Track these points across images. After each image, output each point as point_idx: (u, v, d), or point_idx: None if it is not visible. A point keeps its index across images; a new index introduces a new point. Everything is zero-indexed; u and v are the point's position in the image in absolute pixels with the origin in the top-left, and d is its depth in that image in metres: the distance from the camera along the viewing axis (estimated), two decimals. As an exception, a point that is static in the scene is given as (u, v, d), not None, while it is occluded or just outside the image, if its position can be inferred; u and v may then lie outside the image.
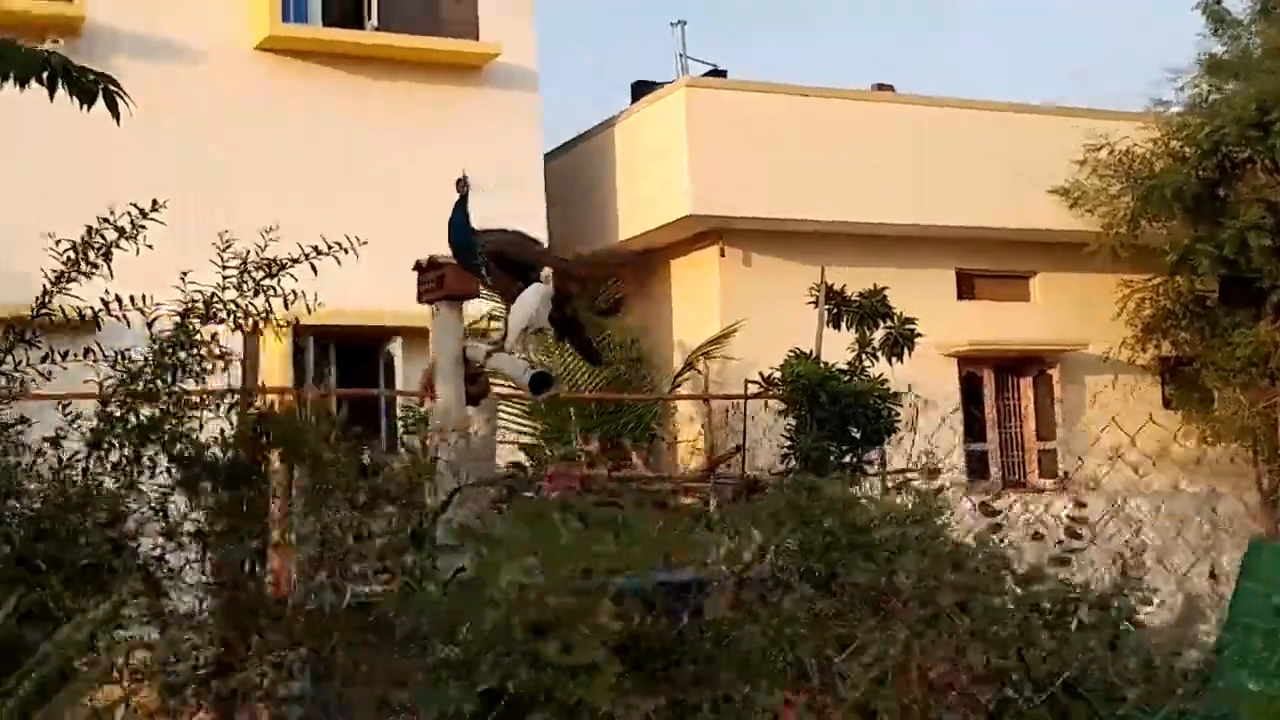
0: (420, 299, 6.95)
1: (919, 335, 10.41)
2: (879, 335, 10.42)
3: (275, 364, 13.34)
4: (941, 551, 6.92)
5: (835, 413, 9.60)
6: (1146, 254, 15.55)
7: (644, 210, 15.33)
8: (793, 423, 9.92)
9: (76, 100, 4.86)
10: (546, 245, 14.01)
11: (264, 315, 5.89)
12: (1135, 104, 16.10)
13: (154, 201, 6.31)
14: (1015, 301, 16.96)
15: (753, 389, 10.32)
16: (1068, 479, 15.23)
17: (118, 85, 4.82)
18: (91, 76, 4.76)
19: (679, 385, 14.01)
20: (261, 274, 5.88)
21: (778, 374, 10.15)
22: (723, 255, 15.18)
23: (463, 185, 6.29)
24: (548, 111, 25.55)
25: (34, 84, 5.29)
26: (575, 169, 16.26)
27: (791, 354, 10.23)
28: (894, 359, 10.23)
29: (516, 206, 14.50)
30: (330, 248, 5.97)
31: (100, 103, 5.01)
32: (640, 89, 16.32)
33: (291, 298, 5.85)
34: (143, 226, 6.23)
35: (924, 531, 7.23)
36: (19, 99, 13.20)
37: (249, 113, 13.80)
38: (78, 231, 12.36)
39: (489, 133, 14.72)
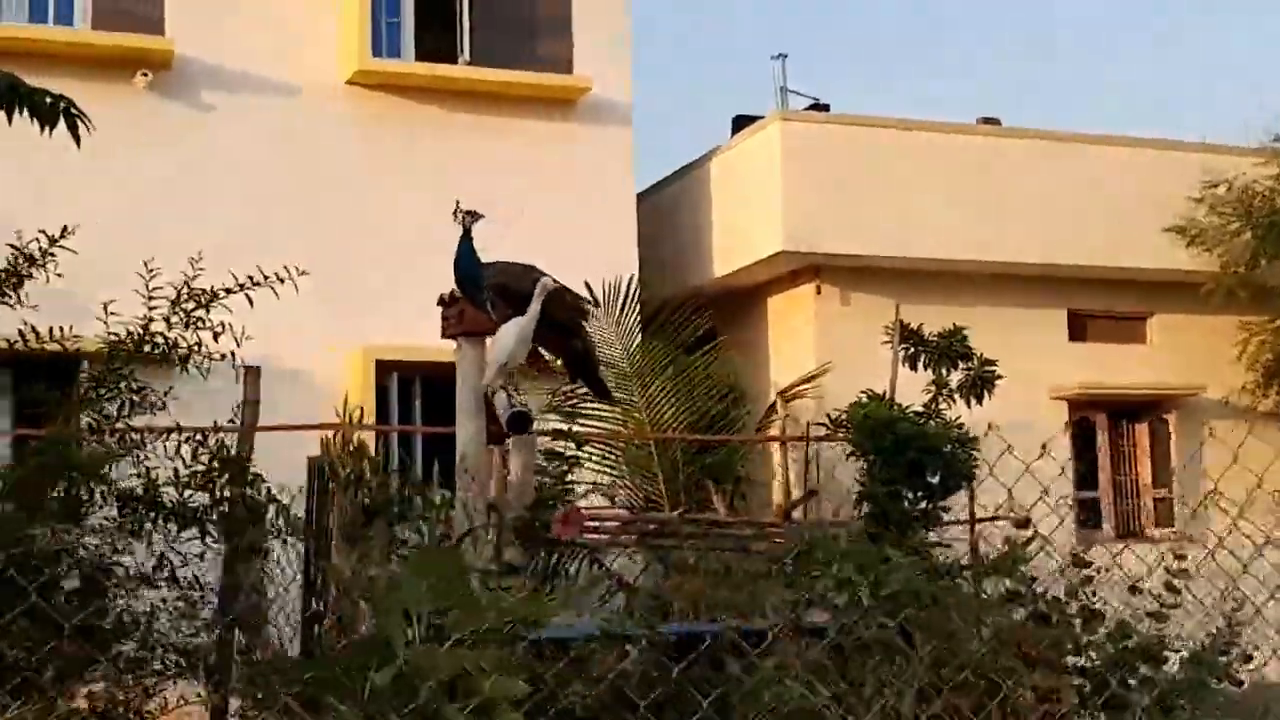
0: (443, 334, 6.76)
1: (1000, 376, 9.94)
2: (957, 376, 9.96)
3: (356, 399, 13.29)
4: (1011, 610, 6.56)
5: (908, 457, 9.14)
6: (1266, 294, 14.83)
7: (738, 246, 15.02)
8: (863, 467, 9.50)
9: (37, 124, 4.57)
10: (636, 281, 13.88)
11: (191, 347, 5.70)
12: (1250, 138, 15.41)
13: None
14: (1130, 343, 16.29)
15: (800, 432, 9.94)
16: (1179, 531, 14.57)
17: (76, 106, 4.61)
18: (49, 98, 4.52)
19: (765, 427, 13.64)
20: (191, 305, 5.70)
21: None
22: (819, 293, 14.80)
23: (468, 218, 6.05)
24: (646, 146, 25.47)
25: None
26: (672, 204, 16.02)
27: (863, 395, 9.82)
28: (972, 401, 9.77)
29: (608, 241, 14.35)
30: (265, 279, 5.78)
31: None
32: (741, 123, 16.03)
33: (220, 329, 5.67)
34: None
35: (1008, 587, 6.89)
36: (115, 137, 13.38)
37: (339, 147, 13.80)
38: (170, 264, 12.48)
39: (581, 167, 14.57)
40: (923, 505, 9.58)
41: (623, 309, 13.12)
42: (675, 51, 36.83)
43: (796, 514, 11.09)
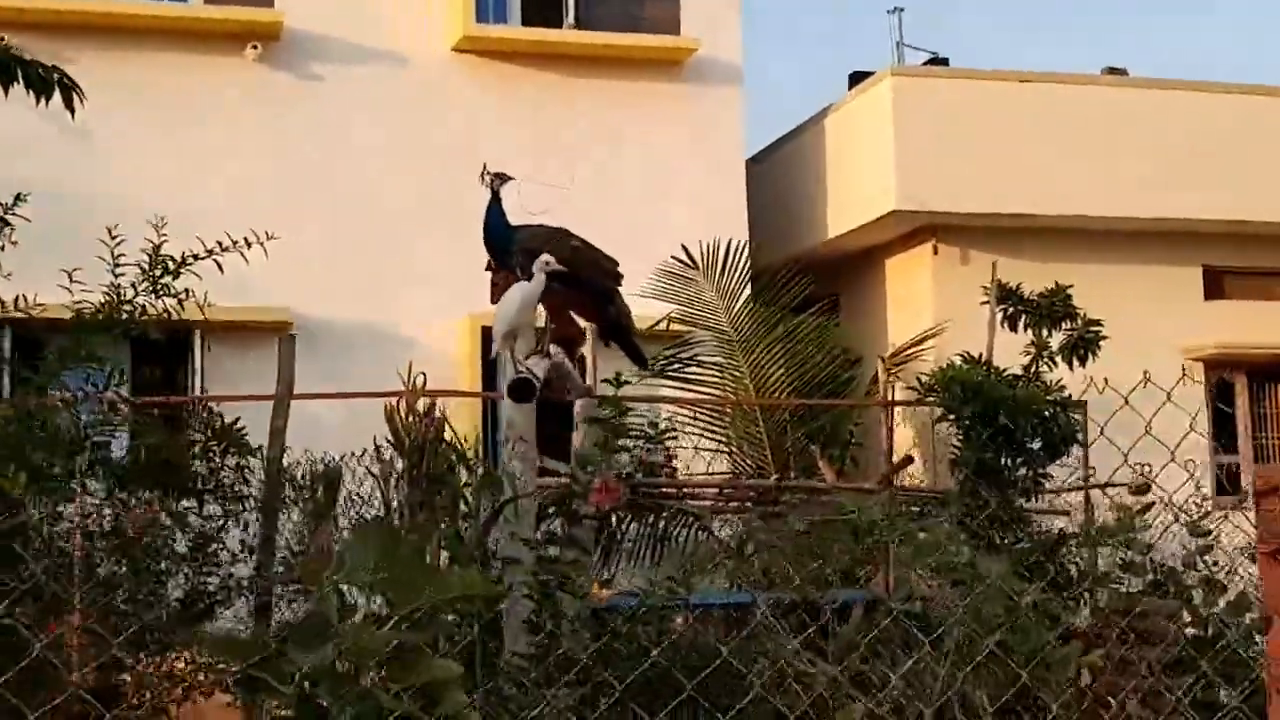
0: (492, 300, 6.65)
1: (1104, 337, 9.53)
2: (1060, 338, 9.58)
3: (465, 367, 13.31)
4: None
5: (1001, 422, 8.84)
6: None
7: (852, 207, 14.69)
8: (958, 432, 9.21)
9: (32, 94, 4.55)
10: (746, 243, 13.62)
11: (160, 313, 5.65)
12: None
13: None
14: (1271, 300, 15.56)
15: (912, 395, 9.63)
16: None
17: (69, 77, 4.58)
18: (42, 69, 4.49)
19: (875, 392, 13.32)
20: (159, 271, 5.64)
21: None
22: (935, 253, 14.41)
23: (496, 180, 5.90)
24: (762, 107, 25.06)
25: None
26: (784, 166, 15.74)
27: (959, 357, 9.51)
28: (1074, 363, 9.38)
29: (717, 204, 14.13)
30: (234, 244, 5.69)
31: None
32: (857, 80, 15.65)
33: (184, 296, 5.61)
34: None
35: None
36: (227, 108, 13.53)
37: (446, 114, 13.79)
38: (288, 233, 12.58)
39: (690, 128, 14.37)
40: (1022, 472, 9.29)
41: (723, 271, 12.87)
42: (791, 8, 36.13)
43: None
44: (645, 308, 12.98)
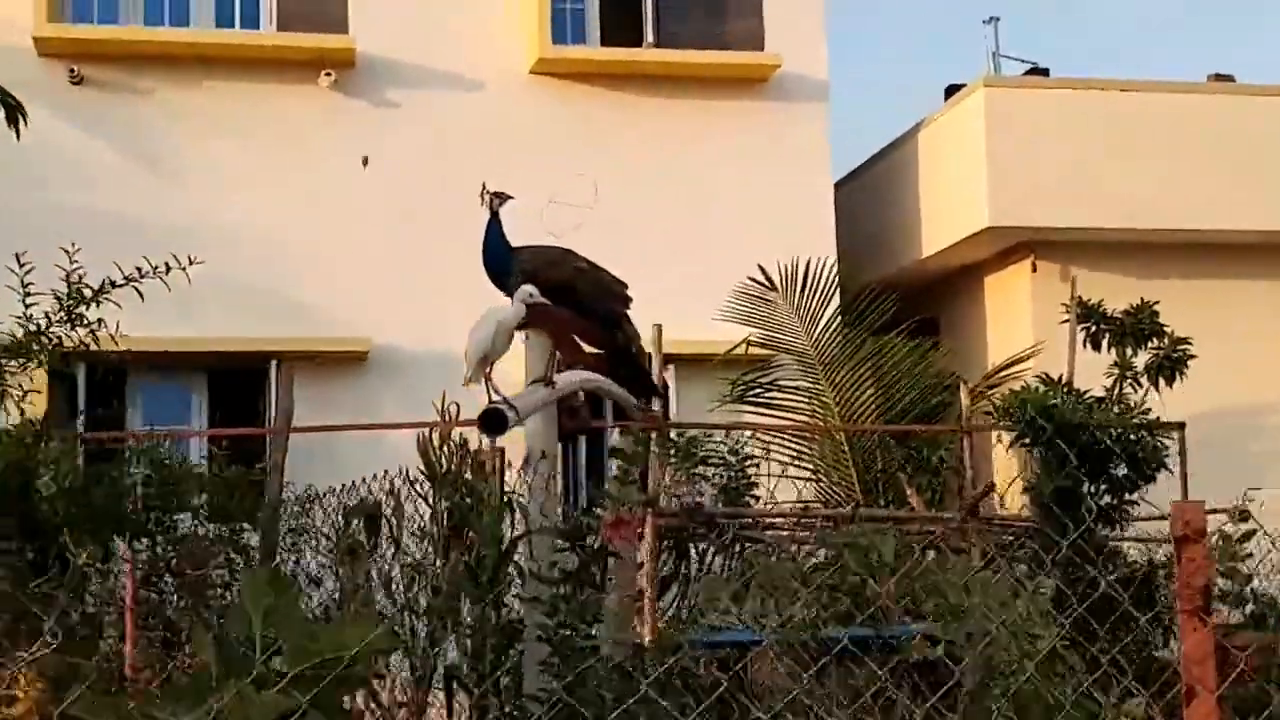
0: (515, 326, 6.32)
1: (1192, 356, 8.93)
2: (1145, 357, 9.00)
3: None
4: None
5: (1079, 447, 8.28)
6: None
7: (947, 224, 14.16)
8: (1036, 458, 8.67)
9: None
10: (836, 264, 13.17)
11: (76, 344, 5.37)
12: None
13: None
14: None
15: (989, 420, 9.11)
16: None
17: (13, 97, 4.36)
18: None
19: (973, 415, 12.75)
20: (73, 303, 5.34)
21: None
22: (1034, 270, 13.81)
23: (496, 200, 5.58)
24: (855, 121, 24.48)
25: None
26: (875, 183, 15.26)
27: (1038, 379, 8.97)
28: (1159, 384, 8.80)
29: (803, 222, 13.70)
30: (143, 274, 5.38)
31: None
32: (954, 93, 15.12)
33: (97, 327, 5.31)
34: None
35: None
36: (301, 135, 13.45)
37: (523, 137, 13.54)
38: (365, 262, 12.38)
39: (775, 147, 13.96)
40: (1106, 499, 8.73)
41: (804, 291, 12.41)
42: (883, 22, 35.32)
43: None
44: (726, 332, 12.64)
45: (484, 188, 5.70)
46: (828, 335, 12.57)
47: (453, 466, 7.15)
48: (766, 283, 12.25)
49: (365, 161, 13.18)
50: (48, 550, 7.24)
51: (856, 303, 12.76)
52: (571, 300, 5.56)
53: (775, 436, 12.10)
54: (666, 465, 11.50)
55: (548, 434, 6.33)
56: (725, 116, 13.96)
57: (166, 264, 5.55)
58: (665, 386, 13.44)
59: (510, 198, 5.74)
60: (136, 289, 5.43)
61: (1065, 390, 8.69)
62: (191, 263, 5.55)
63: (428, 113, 13.42)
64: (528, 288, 5.23)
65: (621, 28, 14.08)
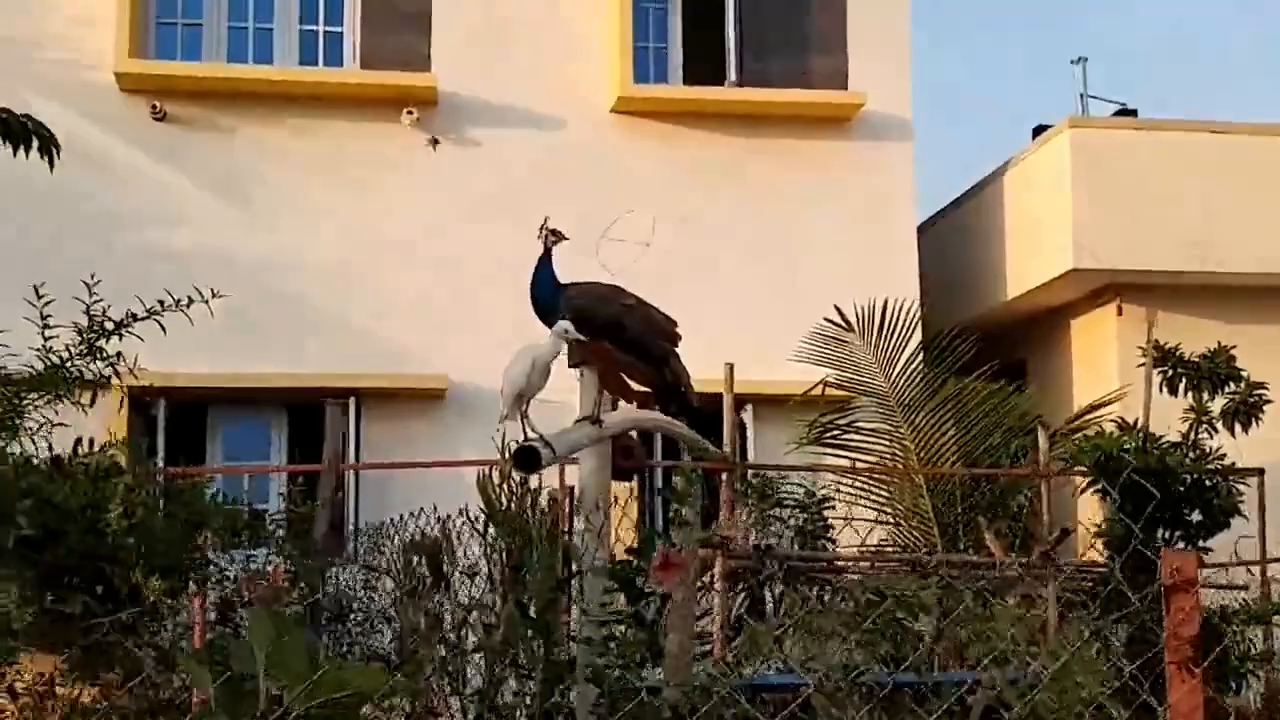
0: (569, 363, 6.28)
1: (1268, 401, 8.68)
2: (1220, 402, 8.78)
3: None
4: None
5: (1162, 493, 8.09)
6: None
7: (1033, 266, 13.95)
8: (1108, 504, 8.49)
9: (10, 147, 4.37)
10: (916, 303, 13.01)
11: (99, 378, 5.34)
12: None
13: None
14: None
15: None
16: None
17: (46, 128, 4.40)
18: (21, 120, 4.33)
19: (1050, 460, 12.49)
20: (94, 336, 5.33)
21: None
22: (1120, 314, 13.55)
23: (551, 237, 5.54)
24: (941, 163, 24.19)
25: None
26: (960, 224, 15.08)
27: (1114, 424, 8.78)
28: (1234, 429, 8.57)
29: (886, 262, 13.57)
30: (165, 306, 5.34)
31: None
32: (1041, 133, 14.93)
33: (117, 361, 5.28)
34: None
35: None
36: (383, 173, 13.58)
37: (606, 175, 13.57)
38: (444, 299, 12.34)
39: (857, 185, 13.87)
40: (1179, 546, 8.51)
41: (882, 331, 12.25)
42: (971, 64, 34.95)
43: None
44: (804, 373, 12.51)
45: (545, 222, 5.67)
46: (907, 377, 12.40)
47: (512, 505, 7.14)
48: (843, 323, 12.12)
49: (434, 142, 13.23)
50: (117, 586, 7.31)
51: (937, 344, 12.58)
52: (619, 337, 5.51)
53: (852, 479, 11.96)
54: (742, 507, 11.44)
55: (601, 473, 6.28)
56: (808, 156, 13.88)
57: (189, 297, 5.54)
58: (743, 427, 13.34)
59: (566, 238, 5.70)
60: (159, 322, 5.44)
61: (1139, 435, 8.48)
62: (215, 295, 5.54)
63: (508, 150, 13.48)
64: (563, 324, 5.19)
65: (704, 67, 14.07)
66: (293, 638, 3.17)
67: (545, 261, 5.62)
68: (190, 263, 12.79)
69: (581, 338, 5.19)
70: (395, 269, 13.20)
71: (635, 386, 5.85)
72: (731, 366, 10.46)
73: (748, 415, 13.25)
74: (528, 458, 4.74)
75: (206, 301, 5.27)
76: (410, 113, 13.17)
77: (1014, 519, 12.09)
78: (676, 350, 5.67)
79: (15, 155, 4.66)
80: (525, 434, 5.07)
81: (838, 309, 12.07)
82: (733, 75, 13.99)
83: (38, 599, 7.98)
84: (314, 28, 13.77)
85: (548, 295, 5.50)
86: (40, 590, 8.09)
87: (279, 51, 13.55)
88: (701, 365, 9.12)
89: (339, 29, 13.73)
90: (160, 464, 12.55)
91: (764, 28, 14.14)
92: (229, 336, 12.87)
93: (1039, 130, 15.08)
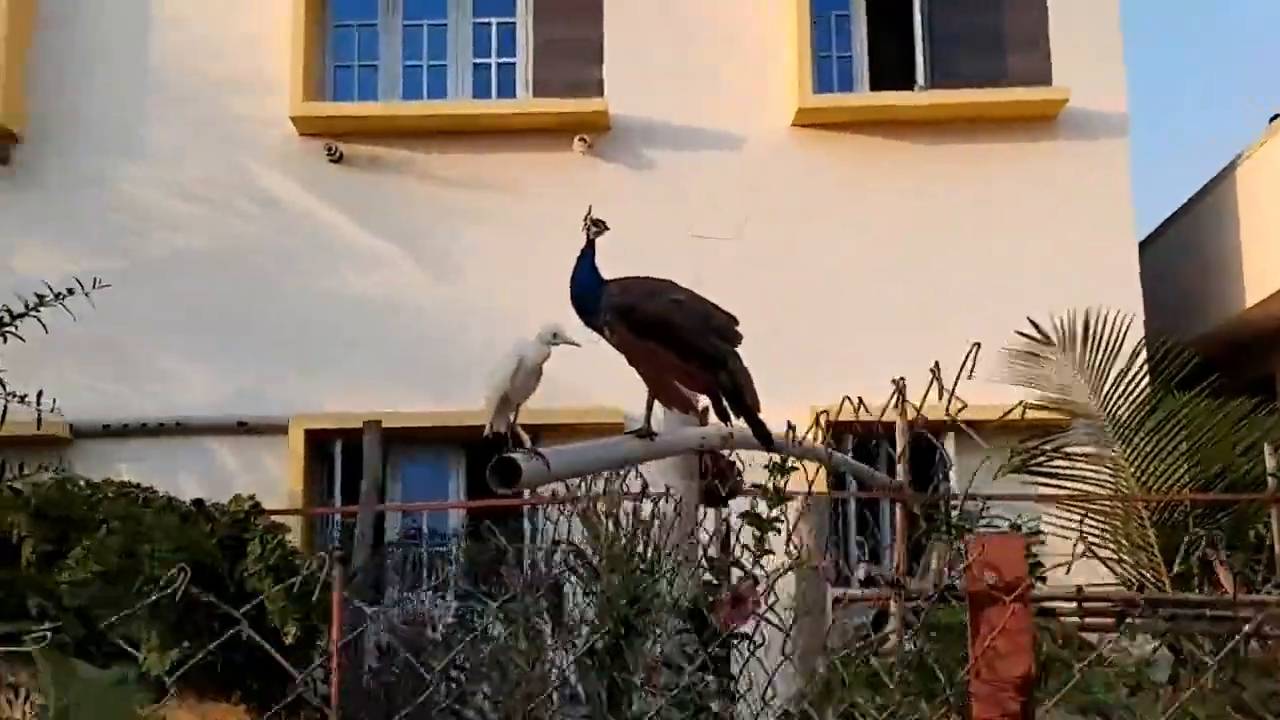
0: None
1: None
2: None
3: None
4: None
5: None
6: None
7: (1272, 269, 12.53)
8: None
9: None
10: (1138, 310, 11.78)
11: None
12: None
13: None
14: None
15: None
16: None
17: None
18: None
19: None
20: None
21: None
22: (1373, 319, 12.04)
23: (594, 228, 4.83)
24: (1172, 168, 22.28)
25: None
26: (1190, 230, 13.71)
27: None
28: None
29: (1102, 269, 12.39)
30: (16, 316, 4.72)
31: None
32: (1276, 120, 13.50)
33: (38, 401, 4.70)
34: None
35: None
36: (556, 202, 13.13)
37: (787, 192, 12.81)
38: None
39: (1065, 188, 12.72)
40: None
41: (1096, 347, 11.06)
42: (1193, 62, 32.31)
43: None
44: (1007, 394, 11.40)
45: (589, 212, 4.98)
46: (1126, 397, 11.17)
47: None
48: (1040, 336, 11.01)
49: (586, 142, 12.72)
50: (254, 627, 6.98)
51: (1160, 360, 11.30)
52: (669, 336, 4.74)
53: (1066, 507, 10.84)
54: (939, 542, 10.45)
55: (688, 503, 5.54)
56: (1007, 160, 12.82)
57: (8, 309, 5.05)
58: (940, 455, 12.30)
59: (608, 228, 5.00)
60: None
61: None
62: (98, 285, 5.02)
63: (684, 173, 12.86)
64: (551, 326, 4.51)
65: (893, 72, 13.18)
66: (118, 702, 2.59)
67: (588, 252, 4.92)
68: (365, 301, 12.59)
69: (576, 342, 4.50)
70: (566, 301, 12.66)
71: (687, 392, 5.05)
72: (902, 381, 9.51)
73: (950, 441, 12.20)
74: (505, 471, 4.02)
75: (86, 294, 4.74)
76: (583, 140, 12.67)
77: (1255, 551, 10.75)
78: (737, 351, 4.87)
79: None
80: (512, 444, 4.39)
81: (1031, 321, 10.98)
82: (923, 79, 13.05)
83: (174, 643, 7.62)
84: (487, 60, 13.47)
85: (587, 289, 4.79)
86: (176, 635, 7.73)
87: (453, 86, 13.28)
88: (918, 388, 8.32)
89: (512, 60, 13.40)
90: (338, 503, 12.38)
91: (955, 26, 13.17)
92: (408, 379, 12.60)
93: (1276, 118, 13.64)
